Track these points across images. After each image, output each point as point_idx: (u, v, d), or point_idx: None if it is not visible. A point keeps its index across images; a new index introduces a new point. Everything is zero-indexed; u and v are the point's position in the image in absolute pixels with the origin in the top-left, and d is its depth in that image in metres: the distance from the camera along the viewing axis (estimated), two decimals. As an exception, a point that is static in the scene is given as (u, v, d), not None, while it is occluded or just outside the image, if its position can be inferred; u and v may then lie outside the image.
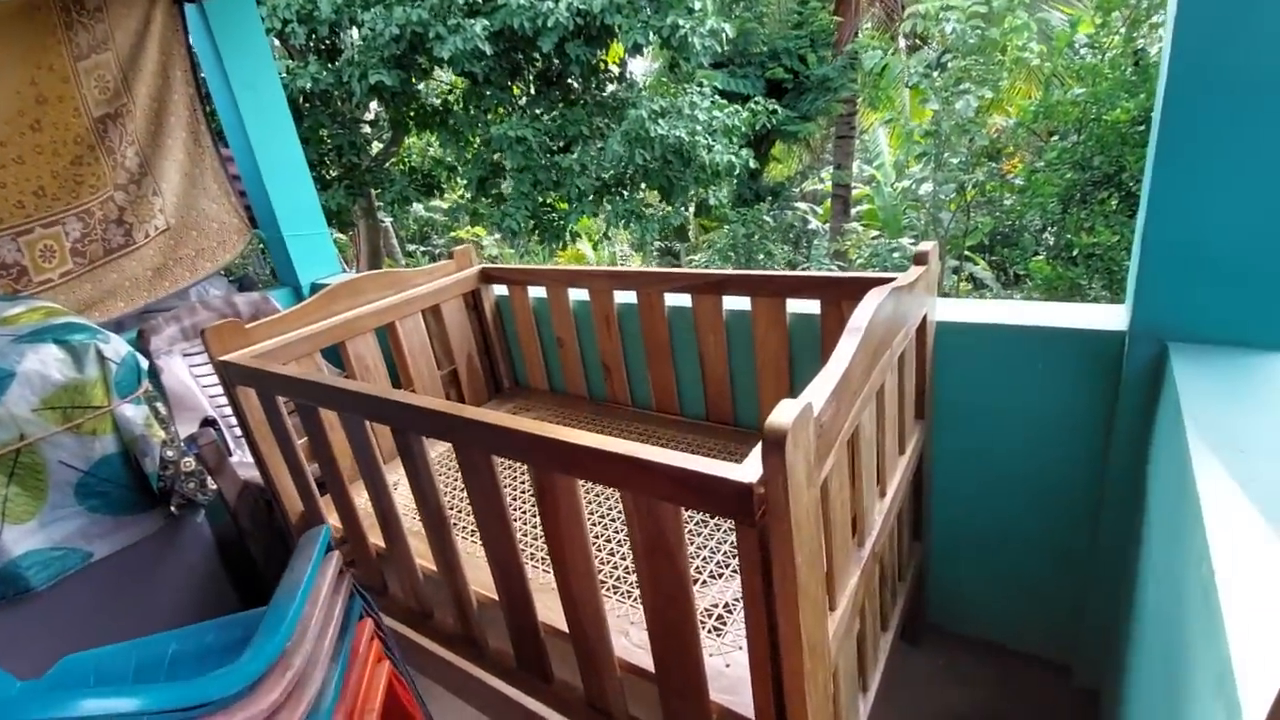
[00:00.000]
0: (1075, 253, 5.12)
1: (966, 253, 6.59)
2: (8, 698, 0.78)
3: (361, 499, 1.57)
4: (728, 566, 1.37)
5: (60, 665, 0.98)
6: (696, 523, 1.50)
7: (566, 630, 1.16)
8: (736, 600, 1.28)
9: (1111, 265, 4.92)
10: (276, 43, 6.49)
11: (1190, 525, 0.78)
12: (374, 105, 7.48)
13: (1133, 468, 1.29)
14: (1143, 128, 4.75)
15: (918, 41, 8.69)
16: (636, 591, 1.32)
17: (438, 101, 7.47)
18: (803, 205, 11.28)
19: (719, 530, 1.48)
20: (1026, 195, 5.62)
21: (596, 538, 1.51)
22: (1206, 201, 1.09)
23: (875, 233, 8.23)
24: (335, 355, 1.95)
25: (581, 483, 1.00)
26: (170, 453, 1.62)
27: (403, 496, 1.68)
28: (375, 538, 1.57)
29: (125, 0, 2.18)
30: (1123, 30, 5.30)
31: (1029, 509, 1.52)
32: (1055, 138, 5.73)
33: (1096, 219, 5.03)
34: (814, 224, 10.62)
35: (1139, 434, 1.26)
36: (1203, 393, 1.00)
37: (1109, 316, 1.35)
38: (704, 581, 1.34)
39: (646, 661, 1.11)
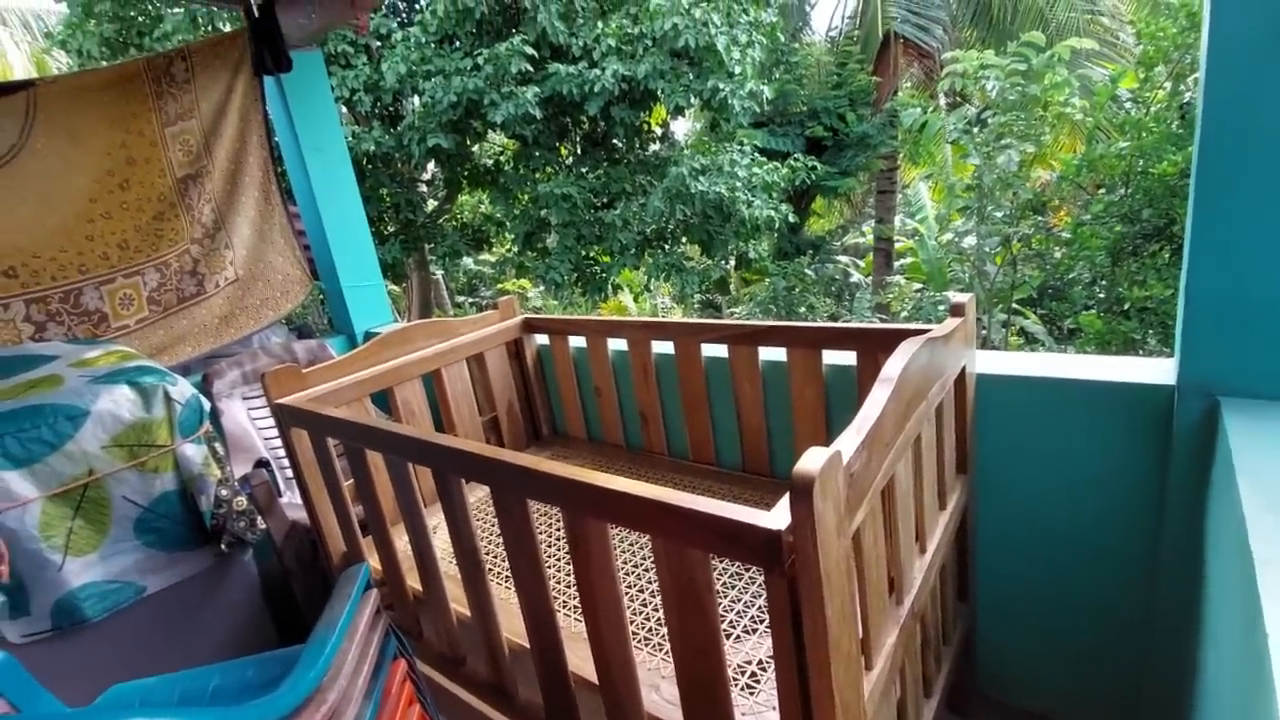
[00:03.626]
0: (1127, 306, 4.98)
1: (1015, 306, 6.46)
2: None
3: (402, 541, 1.61)
4: (762, 622, 1.34)
5: (108, 694, 1.02)
6: (730, 575, 1.48)
7: (596, 682, 1.14)
8: (770, 658, 1.25)
9: (1166, 319, 4.77)
10: (344, 110, 6.96)
11: (1244, 590, 0.74)
12: (431, 166, 7.90)
13: (1188, 529, 1.23)
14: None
15: (958, 99, 8.77)
16: (668, 645, 1.30)
17: (489, 162, 7.85)
18: (844, 258, 11.28)
19: (753, 584, 1.45)
20: (1074, 248, 5.53)
21: (629, 588, 1.50)
22: (1250, 251, 1.07)
23: (918, 285, 8.15)
24: (385, 401, 2.03)
25: (616, 531, 1.01)
26: (225, 491, 1.70)
27: (442, 542, 1.71)
28: (413, 581, 1.59)
29: (211, 73, 2.39)
30: (1167, 85, 5.26)
31: (1081, 572, 1.45)
32: (1102, 191, 5.65)
33: (1148, 272, 4.90)
34: (856, 277, 10.60)
35: (1193, 493, 1.21)
36: (1257, 450, 0.96)
37: (1157, 370, 1.31)
38: (737, 637, 1.31)
39: (676, 718, 1.09)
